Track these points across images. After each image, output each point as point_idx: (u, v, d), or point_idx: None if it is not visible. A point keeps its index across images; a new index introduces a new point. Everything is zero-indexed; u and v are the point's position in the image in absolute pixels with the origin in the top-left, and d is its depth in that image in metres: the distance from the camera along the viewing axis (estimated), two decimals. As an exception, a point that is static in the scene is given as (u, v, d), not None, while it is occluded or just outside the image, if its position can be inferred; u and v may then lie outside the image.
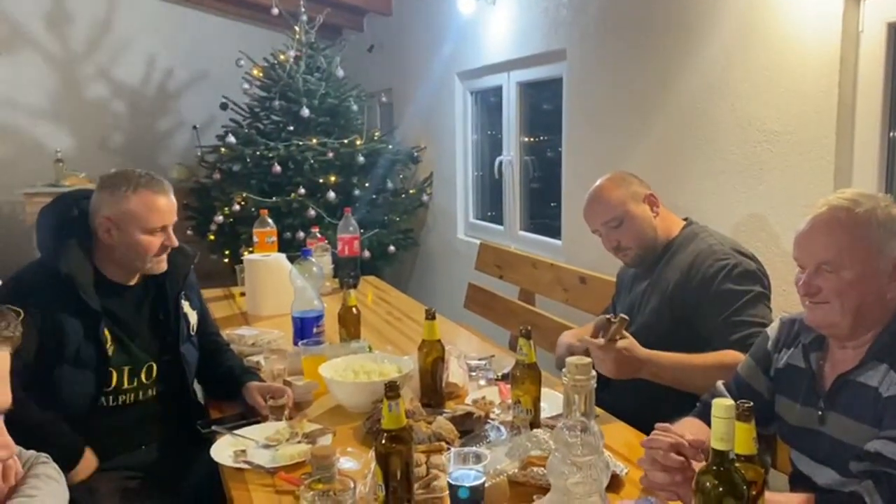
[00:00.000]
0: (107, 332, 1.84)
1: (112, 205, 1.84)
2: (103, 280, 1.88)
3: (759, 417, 1.17)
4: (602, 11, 3.13)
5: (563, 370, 1.05)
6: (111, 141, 6.08)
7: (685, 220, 2.13)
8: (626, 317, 1.70)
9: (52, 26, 5.80)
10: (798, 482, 1.48)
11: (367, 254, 4.42)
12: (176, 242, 1.93)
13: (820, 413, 1.41)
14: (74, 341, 1.76)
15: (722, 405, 1.04)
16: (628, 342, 1.70)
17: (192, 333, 2.04)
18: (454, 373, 2.02)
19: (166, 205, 1.88)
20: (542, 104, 4.09)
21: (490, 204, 4.65)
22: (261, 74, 4.80)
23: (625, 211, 2.05)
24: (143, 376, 1.90)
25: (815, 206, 1.41)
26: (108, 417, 1.86)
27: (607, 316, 1.73)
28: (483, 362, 2.23)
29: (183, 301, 2.00)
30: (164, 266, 1.93)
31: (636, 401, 1.85)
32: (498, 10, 3.92)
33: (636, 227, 2.05)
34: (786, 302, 2.28)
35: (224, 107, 4.93)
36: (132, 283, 1.95)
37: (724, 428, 1.04)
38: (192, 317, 2.04)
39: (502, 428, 1.69)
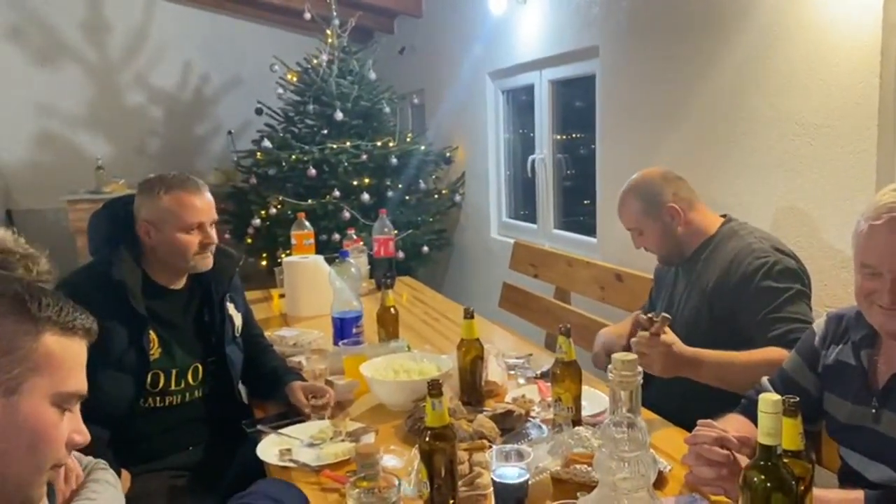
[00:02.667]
0: (153, 336, 1.88)
1: (148, 207, 1.89)
2: (151, 284, 1.93)
3: (806, 414, 1.16)
4: (634, 6, 3.12)
5: (609, 366, 1.05)
6: (149, 147, 6.20)
7: (724, 216, 2.12)
8: (668, 315, 1.69)
9: (90, 35, 5.94)
10: (848, 479, 1.46)
11: (400, 254, 4.45)
12: (215, 239, 1.96)
13: (874, 411, 1.38)
14: (119, 346, 1.81)
15: (769, 400, 1.03)
16: (672, 337, 1.69)
17: (237, 335, 2.08)
18: (493, 371, 2.03)
19: (200, 202, 1.92)
20: (575, 102, 4.07)
21: (523, 203, 4.64)
22: (295, 79, 4.86)
23: (642, 225, 2.11)
24: (189, 378, 1.95)
25: (883, 206, 1.32)
26: (156, 418, 1.90)
27: (649, 315, 1.72)
28: (521, 361, 2.24)
29: (228, 303, 2.04)
30: (209, 263, 1.96)
31: (677, 399, 1.84)
32: (529, 9, 3.92)
33: (654, 238, 2.11)
34: (826, 296, 2.25)
35: (259, 112, 5.00)
36: (179, 286, 1.99)
37: (770, 423, 1.04)
38: (237, 319, 2.08)
39: (543, 426, 1.70)
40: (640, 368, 1.04)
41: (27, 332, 0.93)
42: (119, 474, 1.65)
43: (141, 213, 1.90)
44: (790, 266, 1.90)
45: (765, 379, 1.60)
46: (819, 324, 1.57)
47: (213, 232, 1.95)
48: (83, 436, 1.00)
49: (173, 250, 1.90)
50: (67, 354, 0.97)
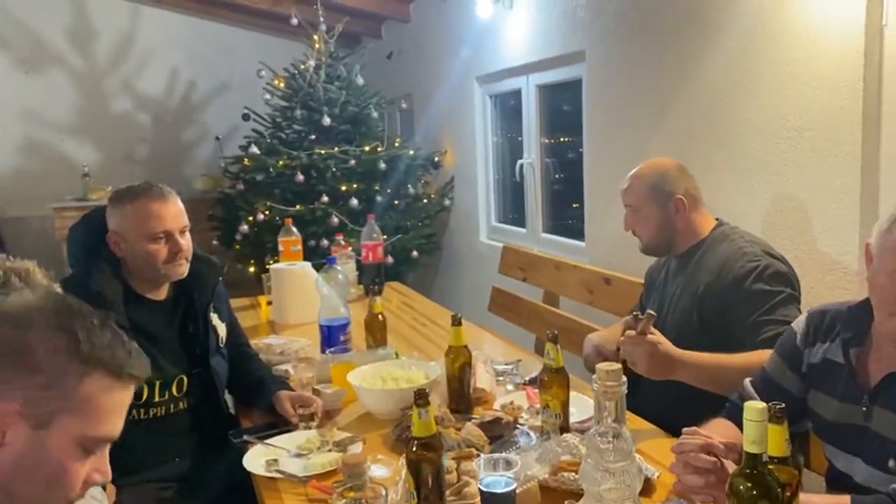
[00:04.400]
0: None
1: (116, 218, 1.88)
2: (133, 295, 1.91)
3: (790, 415, 1.15)
4: (620, 11, 3.12)
5: (594, 376, 1.05)
6: (136, 154, 6.17)
7: (716, 220, 2.12)
8: (653, 313, 1.69)
9: (76, 42, 5.90)
10: (835, 479, 1.46)
11: (390, 259, 4.44)
12: (185, 247, 1.91)
13: (864, 409, 1.38)
14: None
15: (754, 408, 1.03)
16: (659, 337, 1.68)
17: (222, 345, 2.06)
18: (481, 378, 2.02)
19: (165, 211, 1.88)
20: (562, 106, 4.08)
21: (512, 207, 4.65)
22: (283, 85, 4.84)
23: (643, 205, 2.08)
24: (174, 389, 1.93)
25: None
26: (141, 430, 1.88)
27: (635, 313, 1.72)
28: (510, 367, 2.23)
29: (212, 313, 2.02)
30: (183, 271, 1.93)
31: (664, 404, 1.84)
32: (516, 14, 3.93)
33: (649, 223, 2.09)
34: (812, 299, 2.25)
35: (246, 117, 4.98)
36: (162, 297, 1.97)
37: (756, 431, 1.04)
38: (221, 329, 2.06)
39: (531, 433, 1.69)
40: (624, 378, 1.04)
41: (73, 371, 0.92)
42: (104, 488, 1.64)
43: (111, 224, 1.89)
44: (781, 270, 1.90)
45: (747, 381, 1.60)
46: (799, 322, 1.56)
47: (183, 240, 1.91)
48: (104, 475, 0.99)
49: (142, 260, 1.88)
50: (108, 400, 0.96)
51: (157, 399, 1.90)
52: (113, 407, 0.97)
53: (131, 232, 1.87)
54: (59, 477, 0.94)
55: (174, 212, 1.90)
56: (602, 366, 1.03)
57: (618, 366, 1.03)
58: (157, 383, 1.89)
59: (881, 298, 1.36)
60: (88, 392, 0.93)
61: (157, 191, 1.89)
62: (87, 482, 0.97)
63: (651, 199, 2.07)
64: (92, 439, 0.96)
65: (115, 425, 0.98)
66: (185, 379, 1.95)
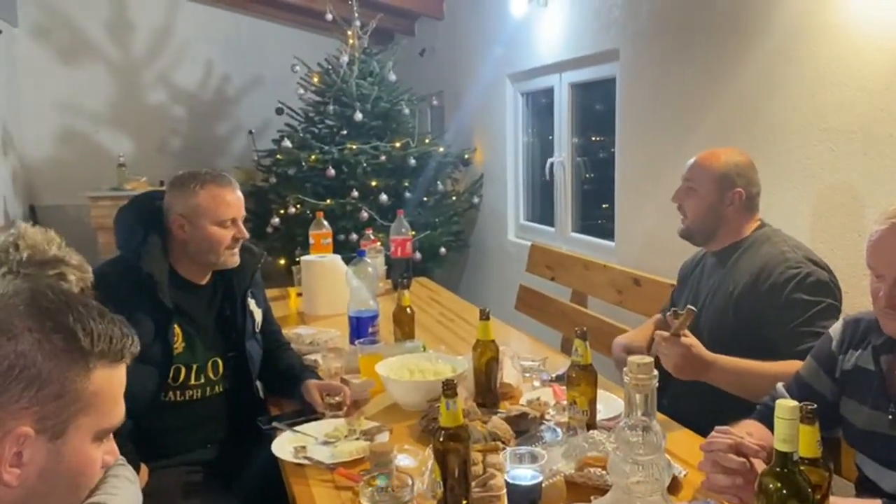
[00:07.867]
0: (178, 329, 1.91)
1: (182, 201, 1.92)
2: (177, 278, 1.95)
3: (822, 420, 1.14)
4: (654, 10, 3.10)
5: (625, 369, 1.05)
6: (170, 145, 6.26)
7: (759, 220, 2.09)
8: (693, 308, 1.67)
9: (114, 35, 6.01)
10: (864, 487, 1.45)
11: (417, 255, 4.45)
12: (247, 234, 1.99)
13: (891, 417, 1.37)
14: (145, 339, 1.82)
15: (786, 406, 1.03)
16: (693, 341, 1.67)
17: (257, 331, 2.10)
18: (508, 373, 2.03)
19: (233, 198, 1.95)
20: (595, 105, 4.06)
21: (541, 205, 4.64)
22: (318, 80, 4.88)
23: (702, 185, 2.04)
24: (209, 372, 1.97)
25: (892, 212, 1.35)
26: (175, 412, 1.92)
27: (674, 308, 1.71)
28: (536, 363, 2.23)
29: (249, 299, 2.06)
30: (236, 259, 1.99)
31: (694, 406, 1.83)
32: (549, 12, 3.92)
33: (700, 204, 2.04)
34: (847, 305, 2.21)
35: (280, 112, 5.03)
36: (203, 281, 2.02)
37: (787, 429, 1.03)
38: (258, 314, 2.10)
39: (558, 429, 1.69)
40: (655, 372, 1.04)
41: (79, 371, 0.89)
42: (138, 467, 1.67)
43: (175, 208, 1.93)
44: (822, 279, 1.86)
45: (780, 385, 1.58)
46: (836, 329, 1.55)
47: (243, 227, 1.99)
48: (113, 454, 0.99)
49: (207, 244, 1.93)
50: (113, 386, 0.95)
51: (193, 382, 1.93)
52: (118, 391, 0.96)
53: (201, 215, 1.91)
54: (82, 474, 0.94)
55: (239, 200, 1.98)
56: (634, 358, 1.03)
57: (649, 359, 1.03)
58: (194, 366, 1.93)
59: (872, 298, 1.39)
60: (97, 386, 0.91)
61: (225, 178, 1.97)
62: (103, 466, 0.98)
63: (713, 184, 2.02)
64: (105, 430, 0.95)
65: (121, 409, 0.97)
66: (221, 362, 1.99)
